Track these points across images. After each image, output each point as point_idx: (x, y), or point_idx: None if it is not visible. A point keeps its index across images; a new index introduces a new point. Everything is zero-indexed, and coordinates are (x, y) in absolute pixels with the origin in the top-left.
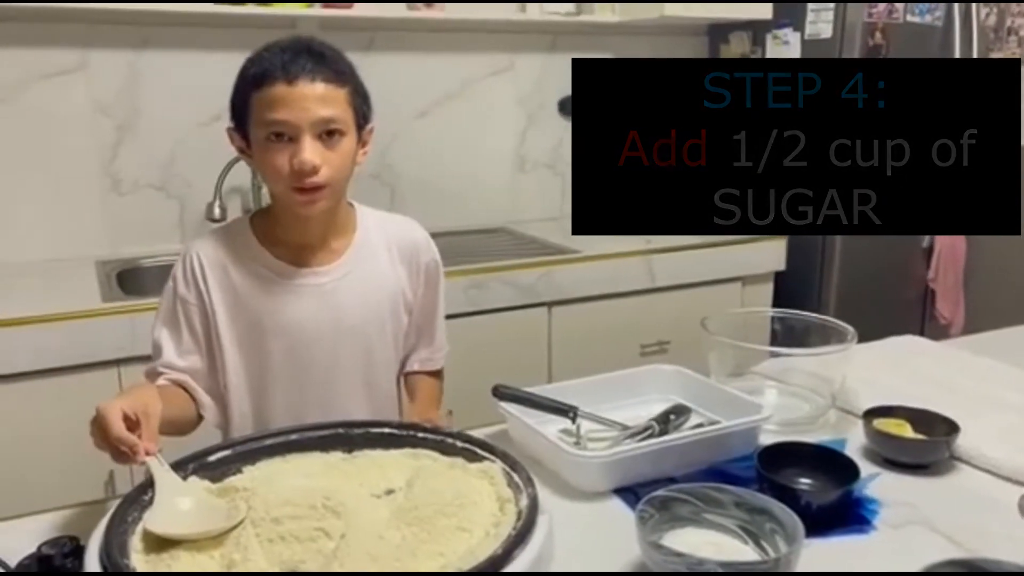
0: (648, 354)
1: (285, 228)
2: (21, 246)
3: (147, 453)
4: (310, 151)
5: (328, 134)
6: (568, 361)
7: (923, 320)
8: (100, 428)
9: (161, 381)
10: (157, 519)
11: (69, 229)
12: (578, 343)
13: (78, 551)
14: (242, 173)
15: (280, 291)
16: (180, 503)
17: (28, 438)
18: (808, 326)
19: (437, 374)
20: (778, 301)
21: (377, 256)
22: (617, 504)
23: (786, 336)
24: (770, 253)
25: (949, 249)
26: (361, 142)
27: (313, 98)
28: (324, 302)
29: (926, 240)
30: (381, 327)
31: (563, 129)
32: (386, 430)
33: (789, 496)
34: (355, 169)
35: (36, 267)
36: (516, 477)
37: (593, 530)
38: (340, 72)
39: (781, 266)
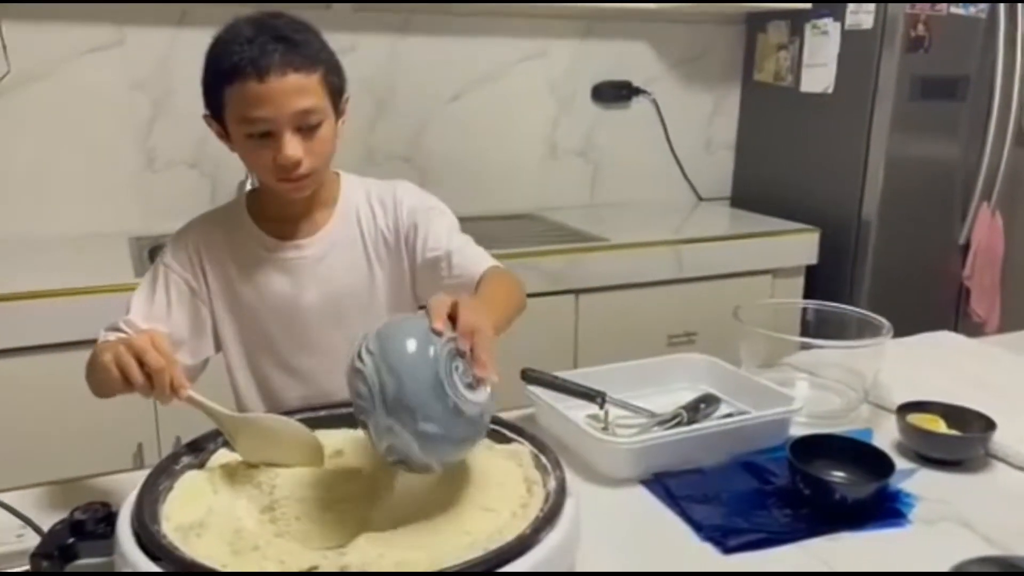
0: (675, 344)
1: (270, 205)
2: (57, 220)
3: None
4: (291, 147)
5: (307, 125)
6: (594, 349)
7: (956, 318)
8: (125, 363)
9: (113, 336)
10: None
11: (104, 205)
12: (605, 331)
13: (110, 517)
14: None
15: (268, 265)
16: (254, 432)
17: (59, 409)
18: (842, 319)
19: (491, 280)
20: (809, 295)
21: (362, 219)
22: (643, 492)
23: (819, 328)
24: (802, 246)
25: (986, 246)
26: (339, 112)
27: (287, 91)
28: (308, 273)
29: (962, 236)
30: (372, 287)
31: (595, 116)
32: None
33: (824, 489)
34: (338, 142)
35: (71, 241)
36: (544, 459)
37: (618, 517)
38: (310, 56)
39: (813, 260)
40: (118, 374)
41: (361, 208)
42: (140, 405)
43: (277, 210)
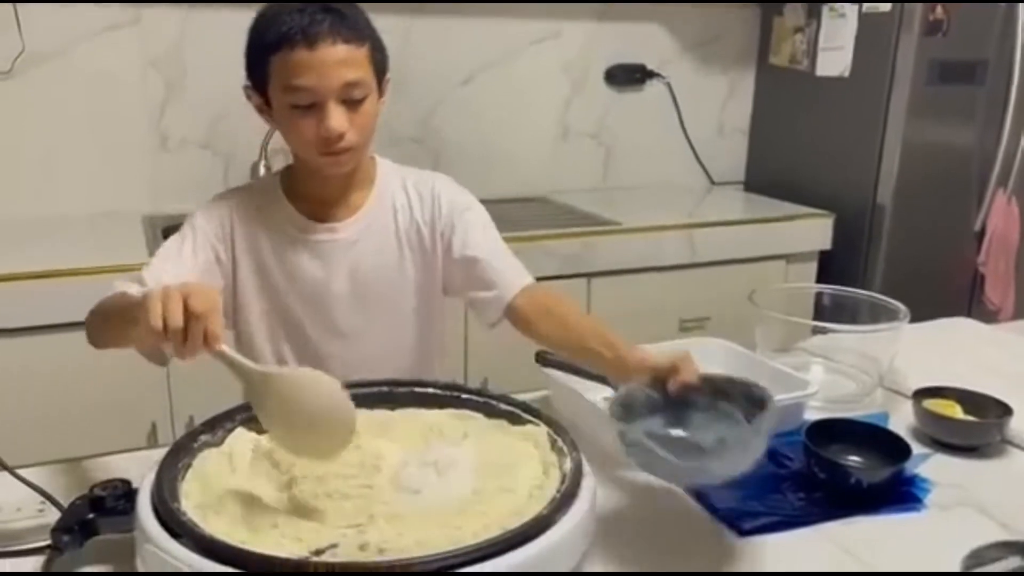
0: (688, 329)
1: (305, 183)
2: (70, 200)
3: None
4: (336, 118)
5: (351, 99)
6: None
7: (970, 305)
8: (171, 298)
9: (135, 289)
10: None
11: (116, 184)
12: (617, 316)
13: (130, 494)
14: None
15: (299, 246)
16: (284, 393)
17: (74, 388)
18: (857, 303)
19: (547, 297)
20: (822, 281)
21: (397, 208)
22: None
23: (834, 313)
24: (816, 231)
25: (1001, 233)
26: (380, 91)
27: (335, 62)
28: (340, 258)
29: (977, 223)
30: (402, 278)
31: (609, 99)
32: (430, 390)
33: (839, 473)
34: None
35: (85, 221)
36: (560, 441)
37: (633, 499)
38: (359, 30)
39: (827, 245)
40: (159, 311)
41: (397, 195)
42: (154, 384)
43: (313, 189)
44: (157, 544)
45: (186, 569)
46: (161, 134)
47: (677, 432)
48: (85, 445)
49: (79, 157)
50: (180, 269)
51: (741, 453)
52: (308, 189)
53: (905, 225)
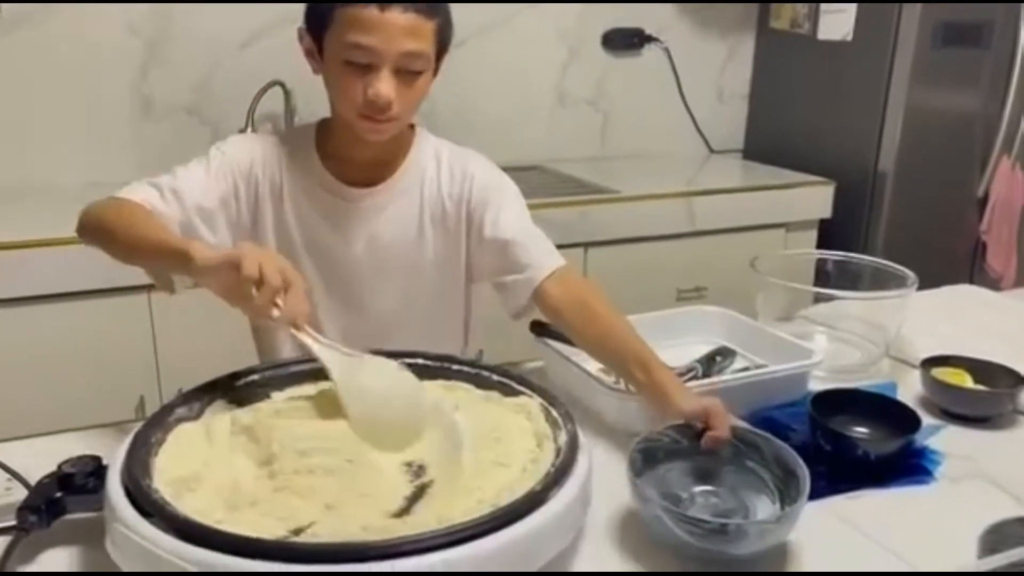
0: (685, 299)
1: (339, 142)
2: (50, 169)
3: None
4: (387, 85)
5: (408, 70)
6: None
7: (971, 273)
8: (242, 272)
9: (155, 195)
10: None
11: (99, 153)
12: (614, 285)
13: (100, 471)
14: (276, 99)
15: (320, 205)
16: (367, 381)
17: (59, 361)
18: (861, 270)
19: (578, 285)
20: (822, 249)
21: (425, 181)
22: None
23: (838, 280)
24: (816, 199)
25: (1004, 200)
26: (435, 70)
27: (402, 28)
28: (359, 223)
29: (980, 189)
30: (420, 252)
31: (606, 64)
32: (420, 361)
33: (847, 445)
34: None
35: (68, 191)
36: (554, 413)
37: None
38: (432, 2)
39: (827, 213)
40: (255, 264)
41: (428, 168)
42: (141, 356)
43: (346, 149)
44: (126, 524)
45: (156, 550)
46: (144, 101)
47: (704, 488)
48: (70, 420)
49: (58, 126)
50: (200, 194)
51: (759, 540)
52: (340, 149)
53: (907, 192)
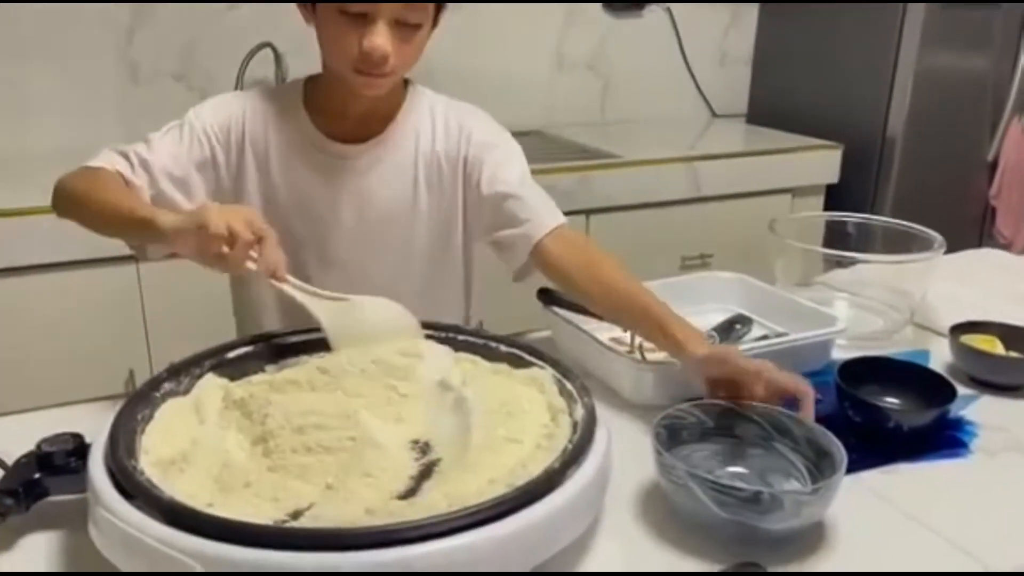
0: (689, 268)
1: (329, 97)
2: (35, 136)
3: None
4: (383, 38)
5: (406, 23)
6: None
7: (980, 239)
8: (209, 231)
9: (124, 167)
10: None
11: (85, 120)
12: (617, 253)
13: (82, 449)
14: (266, 62)
15: (309, 162)
16: (357, 322)
17: (45, 333)
18: (880, 232)
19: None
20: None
21: (420, 136)
22: None
23: (858, 243)
24: (823, 164)
25: (1015, 164)
26: (434, 23)
27: None
28: (349, 181)
29: (991, 153)
30: (413, 212)
31: (606, 26)
32: (424, 331)
33: (879, 416)
34: None
35: (54, 157)
36: (569, 385)
37: (645, 447)
38: None
39: (834, 178)
40: (223, 221)
41: (422, 125)
42: (131, 328)
43: (337, 104)
44: (110, 508)
45: (142, 537)
46: (130, 65)
47: (731, 469)
48: (55, 396)
49: (43, 92)
50: (171, 163)
51: (794, 514)
52: (331, 104)
53: (916, 156)
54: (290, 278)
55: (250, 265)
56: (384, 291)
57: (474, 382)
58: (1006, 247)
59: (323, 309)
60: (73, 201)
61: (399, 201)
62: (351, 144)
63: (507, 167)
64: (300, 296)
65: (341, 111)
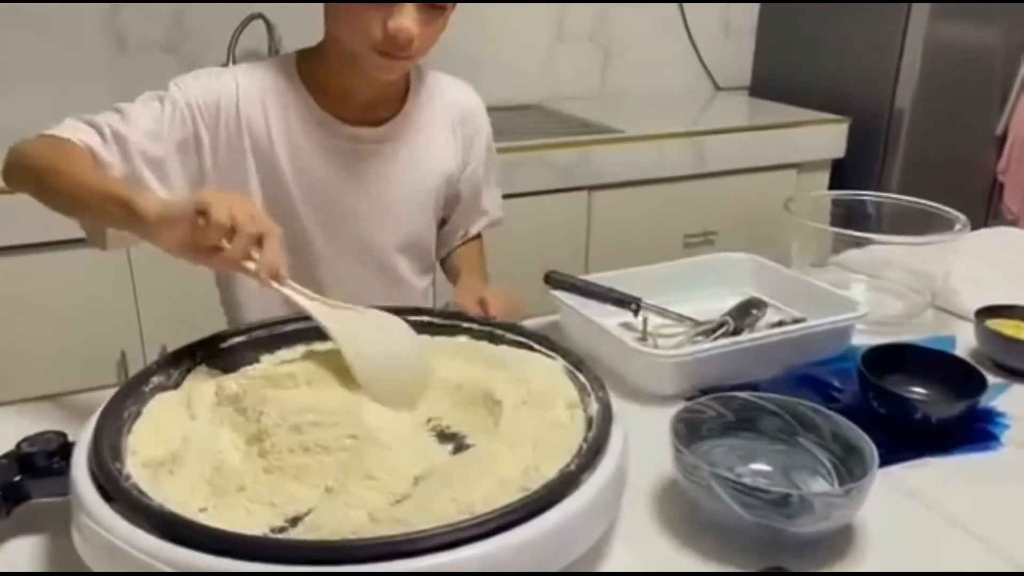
0: (692, 245)
1: (336, 75)
2: (25, 111)
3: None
4: (411, 19)
5: (433, 4)
6: (606, 250)
7: (987, 216)
8: (211, 219)
9: (94, 138)
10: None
11: (71, 93)
12: (618, 231)
13: (66, 449)
14: (258, 33)
15: (316, 146)
16: (368, 338)
17: (32, 314)
18: (903, 210)
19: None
20: (835, 189)
21: (431, 125)
22: None
23: (872, 223)
24: (830, 138)
25: None
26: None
27: None
28: (359, 166)
29: (1000, 127)
30: (422, 205)
31: None
32: (425, 318)
33: (905, 407)
34: None
35: (37, 131)
36: (582, 378)
37: (660, 440)
38: None
39: (840, 153)
40: (225, 211)
41: (434, 116)
42: (122, 308)
43: (341, 83)
44: (93, 516)
45: (128, 548)
46: (117, 36)
47: (753, 466)
48: (42, 384)
49: (25, 64)
50: (148, 141)
51: (824, 517)
52: (336, 82)
53: (924, 130)
54: (291, 282)
55: (248, 264)
56: (384, 278)
57: (484, 372)
58: (1013, 223)
59: (332, 319)
60: (32, 172)
61: (411, 184)
62: (361, 127)
63: (490, 166)
64: (304, 302)
65: (345, 92)
